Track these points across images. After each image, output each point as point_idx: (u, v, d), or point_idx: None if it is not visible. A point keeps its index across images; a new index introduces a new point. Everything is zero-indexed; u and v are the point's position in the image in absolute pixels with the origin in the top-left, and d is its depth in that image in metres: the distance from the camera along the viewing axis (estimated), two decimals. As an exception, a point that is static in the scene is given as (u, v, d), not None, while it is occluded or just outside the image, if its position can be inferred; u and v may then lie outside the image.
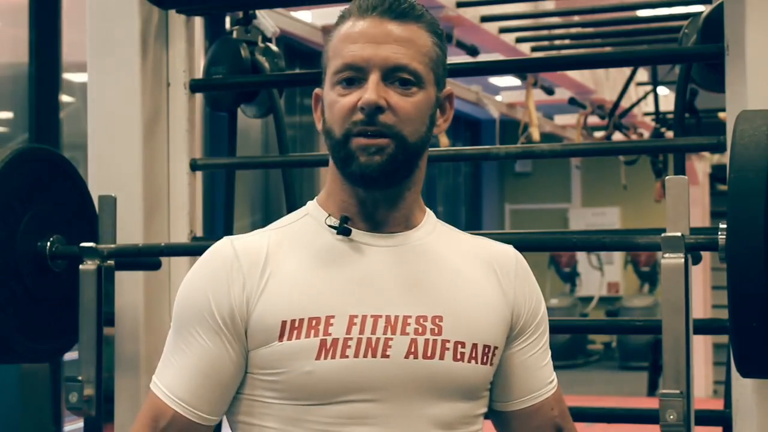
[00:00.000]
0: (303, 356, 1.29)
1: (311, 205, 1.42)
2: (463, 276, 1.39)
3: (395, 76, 1.34)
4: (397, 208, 1.38)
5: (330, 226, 1.36)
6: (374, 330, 1.31)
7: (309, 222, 1.40)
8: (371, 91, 1.32)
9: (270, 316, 1.31)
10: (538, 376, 1.44)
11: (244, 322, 1.32)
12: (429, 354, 1.33)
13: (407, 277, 1.36)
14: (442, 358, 1.33)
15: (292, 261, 1.35)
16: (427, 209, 1.45)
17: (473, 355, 1.35)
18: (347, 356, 1.30)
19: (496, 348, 1.38)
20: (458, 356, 1.34)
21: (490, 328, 1.38)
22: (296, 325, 1.30)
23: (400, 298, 1.34)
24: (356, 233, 1.37)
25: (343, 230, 1.36)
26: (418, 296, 1.35)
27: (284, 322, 1.30)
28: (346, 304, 1.32)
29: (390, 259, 1.37)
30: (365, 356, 1.30)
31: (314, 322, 1.31)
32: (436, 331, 1.33)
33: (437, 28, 1.40)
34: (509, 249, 1.47)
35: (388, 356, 1.31)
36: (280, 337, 1.30)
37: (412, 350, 1.32)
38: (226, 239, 1.38)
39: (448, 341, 1.34)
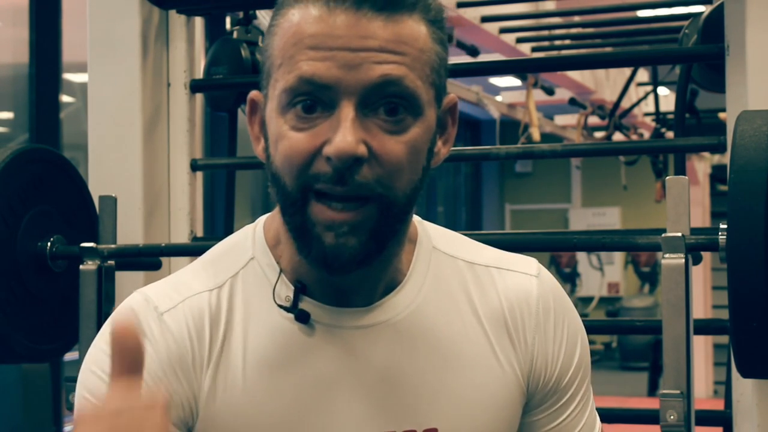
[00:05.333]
0: None
1: (259, 244, 1.02)
2: (465, 355, 1.02)
3: (380, 99, 0.91)
4: (375, 270, 0.99)
5: (281, 306, 0.98)
6: None
7: (255, 276, 1.01)
8: (345, 132, 0.88)
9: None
10: None
11: (194, 415, 0.98)
12: None
13: (388, 373, 0.99)
14: None
15: (237, 353, 0.98)
16: (417, 227, 1.06)
17: None
18: None
19: None
20: None
21: (502, 424, 1.04)
22: None
23: (379, 408, 0.99)
24: (316, 310, 0.99)
25: (298, 316, 0.98)
26: (403, 403, 0.99)
27: None
28: (305, 426, 0.97)
29: (363, 349, 0.99)
30: None
31: None
32: None
33: (436, 14, 0.96)
34: (530, 286, 1.07)
35: None
36: None
37: None
38: (151, 310, 0.99)
39: None
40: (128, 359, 0.79)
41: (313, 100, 0.91)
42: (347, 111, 0.89)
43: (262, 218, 1.06)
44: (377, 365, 0.99)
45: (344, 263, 0.92)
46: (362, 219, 0.91)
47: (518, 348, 1.04)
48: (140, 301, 1.01)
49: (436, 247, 1.06)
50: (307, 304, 0.99)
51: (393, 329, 1.00)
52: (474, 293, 1.05)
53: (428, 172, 0.97)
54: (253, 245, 1.02)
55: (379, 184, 0.91)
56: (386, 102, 0.91)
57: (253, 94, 1.00)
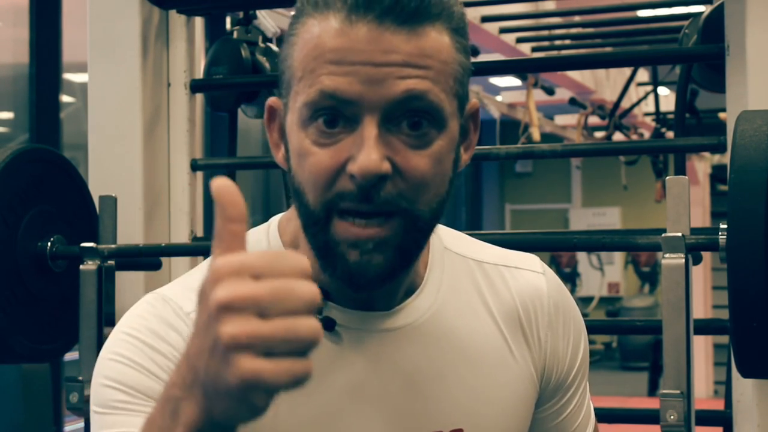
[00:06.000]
0: None
1: (275, 248, 1.00)
2: (485, 355, 1.03)
3: (403, 113, 0.89)
4: (398, 279, 0.97)
5: None
6: None
7: None
8: (369, 150, 0.87)
9: None
10: None
11: None
12: None
13: (414, 375, 0.98)
14: None
15: None
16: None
17: None
18: None
19: None
20: None
21: (520, 420, 1.06)
22: None
23: (406, 411, 0.98)
24: (340, 315, 0.97)
25: (325, 324, 0.95)
26: (429, 404, 0.99)
27: None
28: (335, 431, 0.96)
29: (389, 352, 0.98)
30: None
31: None
32: None
33: (459, 22, 0.93)
34: (540, 282, 1.08)
35: None
36: None
37: None
38: (177, 310, 0.95)
39: None
40: (236, 225, 0.73)
41: (334, 114, 0.88)
42: (370, 127, 0.87)
43: (275, 219, 1.04)
44: (403, 368, 0.98)
45: (370, 280, 0.90)
46: (387, 235, 0.89)
47: (532, 345, 1.05)
48: (160, 301, 0.97)
49: (447, 247, 1.06)
50: (330, 310, 0.98)
51: (417, 332, 0.99)
52: (486, 291, 1.05)
53: (454, 182, 0.95)
54: (268, 249, 0.99)
55: (404, 200, 0.89)
56: (410, 116, 0.89)
57: (272, 101, 0.97)
